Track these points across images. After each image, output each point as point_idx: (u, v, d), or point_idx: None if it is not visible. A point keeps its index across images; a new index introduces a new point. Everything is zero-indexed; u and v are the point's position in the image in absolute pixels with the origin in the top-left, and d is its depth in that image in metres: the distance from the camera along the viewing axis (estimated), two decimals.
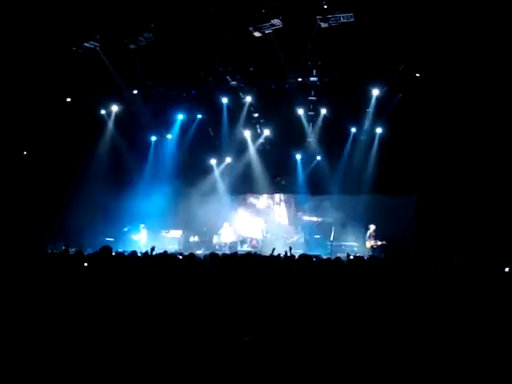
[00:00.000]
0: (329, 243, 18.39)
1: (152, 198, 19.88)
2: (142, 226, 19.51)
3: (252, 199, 23.61)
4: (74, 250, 12.35)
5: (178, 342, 4.24)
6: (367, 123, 19.58)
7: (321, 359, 4.07)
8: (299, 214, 22.60)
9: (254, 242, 20.71)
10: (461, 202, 16.74)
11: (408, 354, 4.10)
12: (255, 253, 13.97)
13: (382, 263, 8.51)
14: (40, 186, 19.20)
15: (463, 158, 16.75)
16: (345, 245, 18.84)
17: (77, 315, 4.56)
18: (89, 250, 14.90)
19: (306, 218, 22.03)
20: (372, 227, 17.65)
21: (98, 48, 15.95)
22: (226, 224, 20.74)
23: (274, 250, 11.94)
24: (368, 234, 17.74)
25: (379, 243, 17.23)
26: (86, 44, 15.54)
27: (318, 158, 21.40)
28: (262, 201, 23.55)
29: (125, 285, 5.31)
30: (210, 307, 4.77)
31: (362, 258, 10.00)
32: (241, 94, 19.50)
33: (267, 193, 23.01)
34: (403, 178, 18.54)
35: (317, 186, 21.25)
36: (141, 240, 19.15)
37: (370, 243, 17.52)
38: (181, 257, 8.71)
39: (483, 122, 16.01)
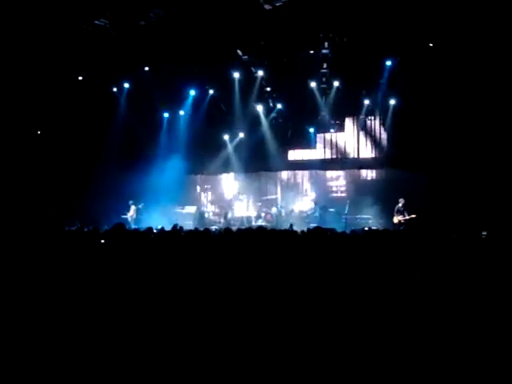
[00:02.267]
0: (343, 217, 18.35)
1: (166, 174, 19.99)
2: (130, 202, 19.53)
3: (265, 174, 23.60)
4: (90, 227, 12.53)
5: (194, 315, 4.31)
6: (380, 95, 19.43)
7: (337, 332, 4.12)
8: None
9: (269, 217, 20.77)
10: (474, 177, 16.53)
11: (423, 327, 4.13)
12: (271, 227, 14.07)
13: (396, 235, 8.51)
14: (54, 166, 19.37)
15: (477, 129, 16.54)
16: (360, 218, 18.78)
17: (94, 289, 4.64)
18: (105, 227, 15.11)
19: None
20: (401, 201, 17.25)
21: (108, 25, 15.90)
22: (240, 198, 20.79)
23: (291, 225, 11.98)
24: (396, 209, 17.37)
25: (407, 217, 17.06)
26: (96, 22, 15.51)
27: (332, 131, 21.33)
28: (276, 176, 23.54)
29: (139, 261, 5.37)
30: (224, 281, 4.83)
31: (377, 230, 10.01)
32: (252, 68, 19.38)
33: (280, 170, 23.00)
34: (417, 153, 18.32)
35: (330, 162, 21.19)
36: (130, 217, 19.24)
37: (397, 218, 17.28)
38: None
39: (499, 92, 15.78)
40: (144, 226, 14.97)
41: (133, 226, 14.96)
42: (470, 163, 16.72)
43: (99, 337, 3.98)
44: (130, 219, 18.74)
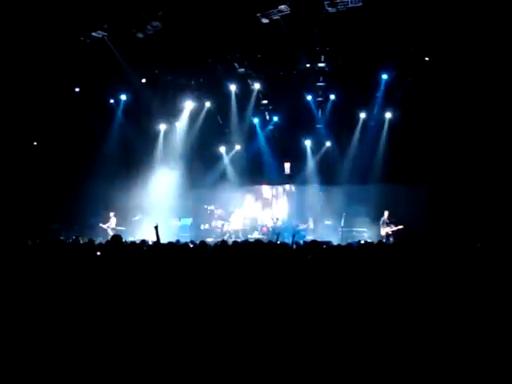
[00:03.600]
0: (339, 229, 18.34)
1: (162, 186, 19.96)
2: (111, 213, 19.08)
3: (262, 186, 23.62)
4: (86, 239, 12.49)
5: (189, 328, 4.29)
6: (376, 108, 19.48)
7: (333, 346, 4.11)
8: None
9: (265, 229, 20.75)
10: (474, 190, 16.53)
11: (419, 339, 4.12)
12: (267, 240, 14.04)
13: (392, 248, 8.50)
14: (50, 177, 19.32)
15: (475, 144, 16.57)
16: (356, 231, 18.77)
17: (88, 302, 4.62)
18: (100, 239, 15.07)
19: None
20: (386, 213, 17.44)
21: (105, 37, 15.94)
22: (236, 211, 20.74)
23: (278, 235, 11.89)
24: (382, 221, 17.52)
25: (394, 229, 17.14)
26: (93, 33, 15.54)
27: (328, 143, 21.33)
28: (273, 188, 23.57)
29: (136, 273, 5.35)
30: (219, 295, 4.81)
31: (372, 243, 9.98)
32: (249, 81, 19.45)
33: (277, 184, 23.08)
34: (414, 167, 18.35)
35: (327, 176, 21.18)
36: (109, 228, 18.77)
37: (384, 230, 17.36)
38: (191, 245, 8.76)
39: (495, 107, 15.83)
40: (141, 237, 14.94)
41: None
42: (469, 175, 16.73)
43: (96, 345, 3.97)
44: (109, 230, 18.44)
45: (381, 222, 17.56)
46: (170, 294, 4.91)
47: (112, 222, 19.00)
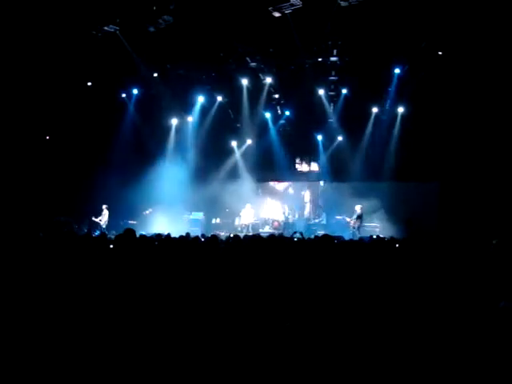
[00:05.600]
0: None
1: (173, 180, 20.00)
2: (104, 206, 18.65)
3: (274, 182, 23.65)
4: (97, 232, 12.58)
5: (201, 322, 4.29)
6: (389, 103, 19.39)
7: (343, 340, 4.10)
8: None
9: (276, 224, 20.75)
10: (486, 187, 16.41)
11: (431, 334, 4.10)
12: (278, 234, 14.04)
13: (404, 244, 8.46)
14: (63, 171, 19.42)
15: (487, 139, 16.43)
16: (367, 226, 18.72)
17: (102, 293, 4.64)
18: (112, 233, 15.14)
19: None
20: (358, 207, 17.78)
21: (117, 31, 15.96)
22: (247, 205, 20.75)
23: (295, 232, 11.86)
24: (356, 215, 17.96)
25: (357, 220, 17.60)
26: (105, 28, 15.57)
27: (340, 138, 21.25)
28: (284, 183, 23.57)
29: (149, 266, 5.37)
30: (232, 288, 4.81)
31: (384, 238, 9.96)
32: (261, 75, 19.38)
33: (289, 180, 23.08)
34: (425, 163, 18.30)
35: (338, 172, 21.12)
36: (102, 221, 18.45)
37: (352, 221, 17.90)
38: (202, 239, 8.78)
39: (509, 102, 15.68)
40: (152, 231, 15.01)
41: (105, 231, 15.30)
42: (481, 172, 16.61)
43: (106, 341, 3.98)
44: (102, 224, 18.34)
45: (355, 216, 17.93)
46: (181, 286, 4.92)
47: (105, 215, 18.65)
